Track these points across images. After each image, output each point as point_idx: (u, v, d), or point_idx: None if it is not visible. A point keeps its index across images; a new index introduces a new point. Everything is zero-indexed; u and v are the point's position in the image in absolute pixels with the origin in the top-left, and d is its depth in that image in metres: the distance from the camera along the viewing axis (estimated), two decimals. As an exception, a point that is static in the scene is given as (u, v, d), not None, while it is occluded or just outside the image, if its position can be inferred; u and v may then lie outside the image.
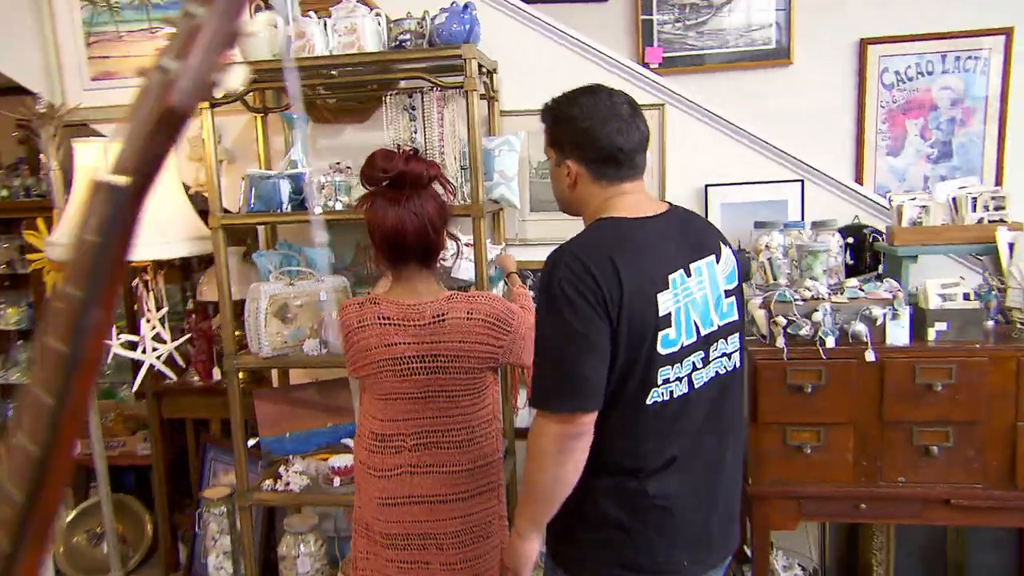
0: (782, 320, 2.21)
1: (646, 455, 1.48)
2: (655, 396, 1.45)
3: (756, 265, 2.60)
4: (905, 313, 2.14)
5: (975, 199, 2.29)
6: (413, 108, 2.65)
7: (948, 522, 2.23)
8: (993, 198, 2.26)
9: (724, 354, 1.54)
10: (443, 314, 1.75)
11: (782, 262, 2.42)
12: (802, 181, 2.76)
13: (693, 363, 1.48)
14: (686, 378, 1.48)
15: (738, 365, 1.58)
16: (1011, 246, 2.15)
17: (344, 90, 2.88)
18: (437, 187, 1.83)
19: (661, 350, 1.44)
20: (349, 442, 2.86)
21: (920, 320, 2.17)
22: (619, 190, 1.55)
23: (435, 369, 1.76)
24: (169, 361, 2.89)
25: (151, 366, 2.86)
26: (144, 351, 2.83)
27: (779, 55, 3.44)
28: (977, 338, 2.15)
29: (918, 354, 2.14)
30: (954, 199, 2.32)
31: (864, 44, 3.46)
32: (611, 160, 1.53)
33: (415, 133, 2.64)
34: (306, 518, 3.01)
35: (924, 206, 2.35)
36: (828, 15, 3.37)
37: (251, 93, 2.75)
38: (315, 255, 2.89)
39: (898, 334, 2.13)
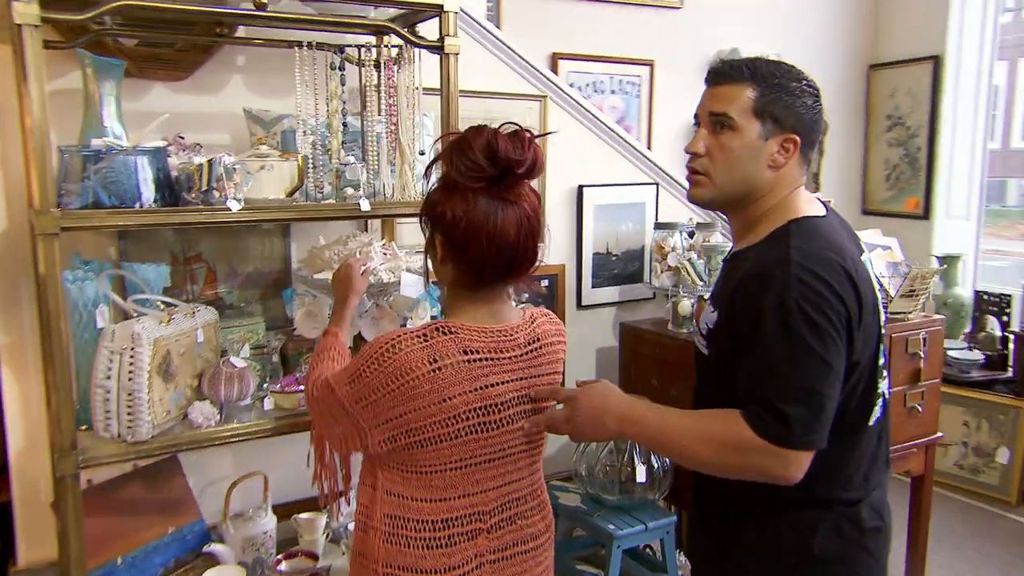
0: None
1: (864, 480, 1.45)
2: (875, 414, 1.46)
3: (660, 267, 2.77)
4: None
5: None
6: (343, 68, 2.04)
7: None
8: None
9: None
10: (537, 339, 1.43)
11: (698, 263, 2.64)
12: (657, 184, 3.02)
13: (888, 368, 1.53)
14: (886, 388, 1.51)
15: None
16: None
17: (159, 31, 2.04)
18: None
19: (881, 362, 1.46)
20: (219, 549, 2.05)
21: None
22: (803, 181, 1.50)
23: (531, 413, 1.43)
24: None
25: None
26: None
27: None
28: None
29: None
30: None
31: (555, 58, 3.84)
32: (815, 147, 1.49)
33: (344, 100, 2.05)
34: None
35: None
36: (528, 28, 3.52)
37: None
38: (149, 274, 1.99)
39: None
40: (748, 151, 1.41)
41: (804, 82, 1.42)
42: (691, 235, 2.84)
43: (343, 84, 2.03)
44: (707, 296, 1.57)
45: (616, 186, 2.94)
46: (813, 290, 1.28)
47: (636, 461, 2.44)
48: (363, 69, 2.06)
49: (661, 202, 3.05)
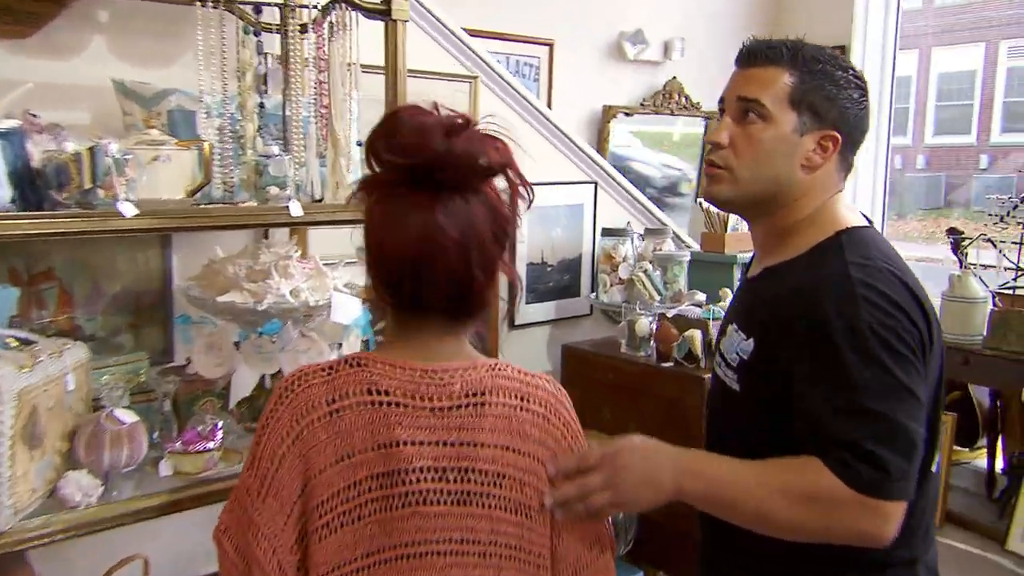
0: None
1: (925, 535, 1.45)
2: (937, 457, 1.44)
3: (610, 279, 2.74)
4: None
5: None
6: (259, 33, 1.85)
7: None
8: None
9: None
10: (483, 391, 1.22)
11: (654, 275, 2.64)
12: (596, 184, 2.99)
13: None
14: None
15: None
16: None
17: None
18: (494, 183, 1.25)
19: (943, 396, 1.47)
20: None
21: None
22: (842, 187, 1.50)
23: (462, 497, 1.20)
24: None
25: None
26: None
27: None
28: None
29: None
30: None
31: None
32: (857, 149, 1.48)
33: (262, 67, 1.86)
34: None
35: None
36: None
37: None
38: (-6, 300, 1.72)
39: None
40: (780, 146, 1.39)
41: (851, 72, 1.42)
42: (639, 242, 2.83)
43: (260, 53, 1.84)
44: (725, 320, 1.55)
45: (552, 185, 2.89)
46: (884, 311, 1.27)
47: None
48: (286, 37, 1.87)
49: (600, 204, 3.04)
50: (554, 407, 1.27)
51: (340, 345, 2.03)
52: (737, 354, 1.41)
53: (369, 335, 2.09)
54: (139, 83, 1.95)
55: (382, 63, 1.93)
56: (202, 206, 1.73)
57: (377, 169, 1.19)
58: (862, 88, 1.43)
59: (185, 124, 1.89)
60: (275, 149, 1.83)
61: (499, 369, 1.26)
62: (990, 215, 3.92)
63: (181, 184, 1.73)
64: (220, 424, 1.83)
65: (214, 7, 1.78)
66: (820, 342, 1.26)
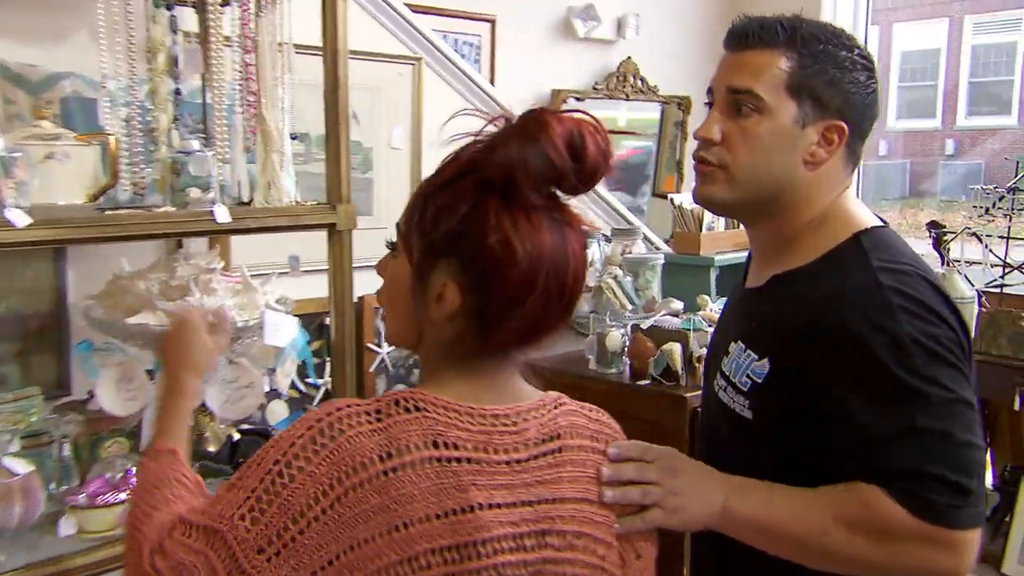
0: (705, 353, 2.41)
1: None
2: None
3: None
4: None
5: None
6: (171, 8, 1.73)
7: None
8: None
9: None
10: (558, 435, 1.18)
11: (625, 282, 2.59)
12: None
13: None
14: None
15: None
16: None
17: None
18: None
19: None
20: None
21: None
22: (850, 182, 1.49)
23: (539, 568, 1.13)
24: None
25: None
26: None
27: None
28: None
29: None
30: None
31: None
32: (865, 138, 1.46)
33: (173, 46, 1.74)
34: None
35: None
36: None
37: None
38: None
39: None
40: (779, 140, 1.36)
41: (857, 52, 1.39)
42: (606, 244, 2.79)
43: (174, 31, 1.73)
44: (722, 335, 1.51)
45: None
46: (924, 319, 1.26)
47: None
48: (205, 11, 1.76)
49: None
50: (614, 437, 1.24)
51: (273, 371, 1.94)
52: (748, 377, 1.37)
53: (307, 357, 1.99)
54: (25, 65, 1.88)
55: (314, 42, 1.86)
56: (108, 212, 1.61)
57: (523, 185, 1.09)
58: (869, 69, 1.40)
59: (83, 114, 1.82)
60: (195, 144, 1.73)
61: (564, 405, 1.20)
62: (975, 206, 3.98)
63: (81, 186, 1.65)
64: (133, 470, 1.73)
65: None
66: (860, 360, 1.24)
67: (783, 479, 1.30)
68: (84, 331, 1.91)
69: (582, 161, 1.07)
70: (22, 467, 1.61)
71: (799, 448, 1.31)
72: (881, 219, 1.46)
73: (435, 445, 1.06)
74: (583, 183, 1.11)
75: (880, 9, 15.64)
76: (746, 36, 1.37)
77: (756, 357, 1.36)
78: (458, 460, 1.07)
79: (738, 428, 1.41)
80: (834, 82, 1.35)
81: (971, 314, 2.71)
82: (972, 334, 1.39)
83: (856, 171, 1.50)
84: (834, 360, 1.27)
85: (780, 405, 1.34)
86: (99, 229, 1.55)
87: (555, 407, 1.17)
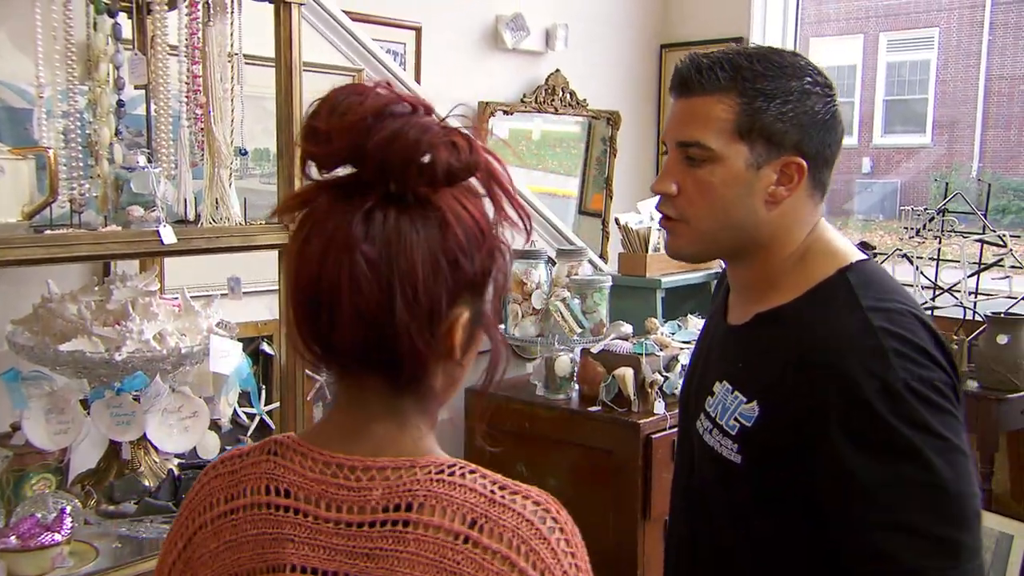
0: (659, 379, 2.48)
1: None
2: None
3: (521, 309, 2.71)
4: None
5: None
6: (114, 15, 1.71)
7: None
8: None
9: None
10: (407, 505, 0.99)
11: (574, 304, 2.64)
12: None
13: None
14: None
15: None
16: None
17: None
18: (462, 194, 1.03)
19: None
20: None
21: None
22: (821, 212, 1.49)
23: None
24: None
25: None
26: None
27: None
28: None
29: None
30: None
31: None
32: (832, 164, 1.45)
33: (116, 55, 1.72)
34: None
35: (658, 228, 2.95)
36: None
37: None
38: None
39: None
40: (735, 187, 1.37)
41: (808, 78, 1.39)
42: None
43: (118, 38, 1.71)
44: (700, 372, 1.53)
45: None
46: (917, 363, 1.28)
47: None
48: (149, 17, 1.75)
49: (501, 220, 3.01)
50: (529, 545, 0.95)
51: (214, 400, 1.92)
52: (737, 420, 1.38)
53: (252, 386, 1.98)
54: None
55: (258, 52, 1.86)
56: (48, 233, 1.58)
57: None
58: (826, 94, 1.40)
59: (12, 126, 1.77)
60: (140, 159, 1.70)
61: (448, 474, 0.99)
62: (905, 228, 4.16)
63: (17, 202, 1.61)
64: (67, 509, 1.68)
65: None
66: (853, 406, 1.26)
67: (765, 520, 1.33)
68: (9, 358, 1.85)
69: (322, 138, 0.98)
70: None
71: (786, 490, 1.32)
72: (863, 249, 1.49)
73: (267, 491, 1.04)
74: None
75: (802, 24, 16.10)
76: (688, 84, 1.38)
77: (744, 400, 1.37)
78: (285, 509, 1.02)
79: (725, 471, 1.41)
80: (785, 118, 1.35)
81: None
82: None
83: (824, 197, 1.47)
84: (825, 405, 1.27)
85: (771, 450, 1.35)
86: (46, 250, 1.52)
87: (428, 472, 1.00)
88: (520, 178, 3.26)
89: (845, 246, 1.44)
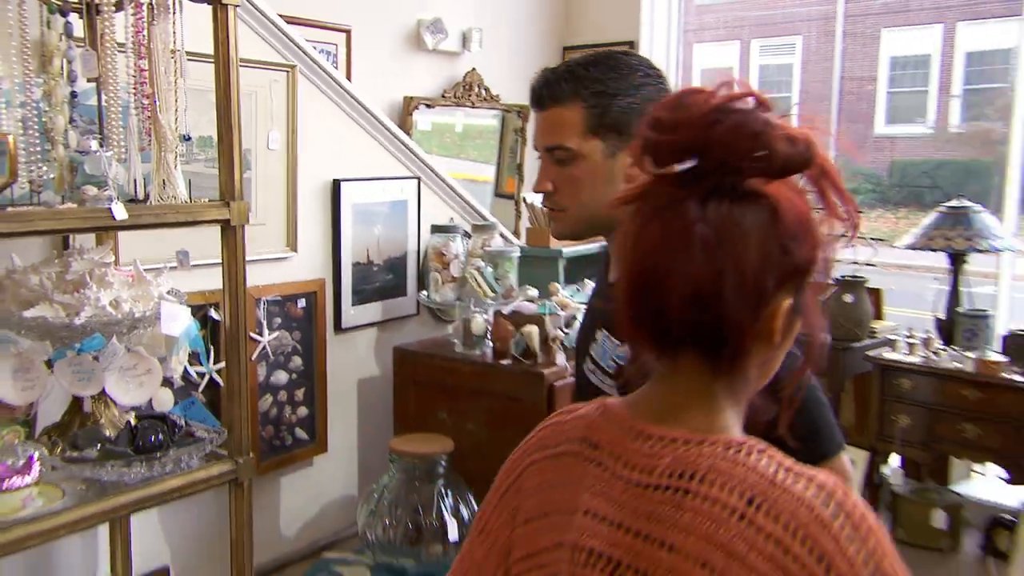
0: (560, 335, 2.51)
1: None
2: None
3: (442, 277, 2.72)
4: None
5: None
6: (66, 14, 1.66)
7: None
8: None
9: None
10: (692, 474, 0.91)
11: (487, 272, 2.66)
12: (419, 179, 2.94)
13: None
14: None
15: None
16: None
17: None
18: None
19: None
20: None
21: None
22: None
23: None
24: None
25: None
26: None
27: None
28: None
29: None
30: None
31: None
32: None
33: (68, 51, 1.67)
34: None
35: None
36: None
37: None
38: None
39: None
40: (597, 176, 1.41)
41: (640, 72, 1.43)
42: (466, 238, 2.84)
43: (70, 36, 1.65)
44: (590, 324, 1.54)
45: (375, 180, 2.81)
46: None
47: (444, 512, 2.36)
48: (98, 16, 1.69)
49: (424, 200, 3.00)
50: (807, 530, 0.83)
51: (164, 359, 1.88)
52: (614, 361, 1.42)
53: (200, 347, 1.95)
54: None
55: (200, 49, 1.80)
56: (10, 210, 1.53)
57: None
58: (658, 82, 1.43)
59: None
60: (93, 144, 1.65)
61: (735, 451, 0.91)
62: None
63: None
64: (35, 455, 1.65)
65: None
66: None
67: None
68: (-23, 325, 1.79)
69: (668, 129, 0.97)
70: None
71: None
72: None
73: (583, 441, 1.01)
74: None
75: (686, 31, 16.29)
76: (541, 99, 1.42)
77: (618, 343, 1.41)
78: (592, 461, 0.99)
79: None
80: (627, 109, 1.39)
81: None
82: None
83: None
84: None
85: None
86: (8, 225, 1.46)
87: (717, 447, 0.92)
88: (443, 165, 3.28)
89: None
